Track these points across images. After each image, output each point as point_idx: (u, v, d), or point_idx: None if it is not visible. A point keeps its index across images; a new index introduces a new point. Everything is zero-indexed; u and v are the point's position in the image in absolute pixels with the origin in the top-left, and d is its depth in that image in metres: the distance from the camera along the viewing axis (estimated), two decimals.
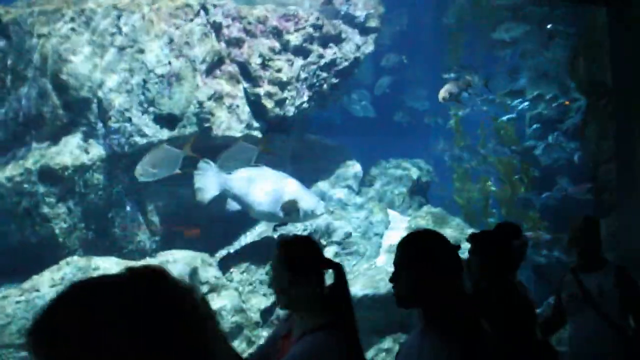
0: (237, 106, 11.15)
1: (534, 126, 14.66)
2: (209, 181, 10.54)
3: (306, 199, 10.71)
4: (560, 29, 12.83)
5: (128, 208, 10.71)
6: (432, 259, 3.39)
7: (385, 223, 12.01)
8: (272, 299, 10.89)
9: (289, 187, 10.70)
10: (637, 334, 5.60)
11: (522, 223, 13.06)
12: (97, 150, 10.48)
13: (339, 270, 3.71)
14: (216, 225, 11.27)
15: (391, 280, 3.49)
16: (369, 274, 10.25)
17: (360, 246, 11.14)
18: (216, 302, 9.77)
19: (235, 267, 10.68)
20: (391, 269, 3.54)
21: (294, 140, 12.60)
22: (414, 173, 13.77)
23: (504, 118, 14.86)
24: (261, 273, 10.68)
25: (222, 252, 11.19)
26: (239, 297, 10.23)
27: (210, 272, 10.30)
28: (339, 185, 12.79)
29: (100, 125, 10.54)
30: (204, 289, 10.06)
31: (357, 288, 9.56)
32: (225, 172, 10.51)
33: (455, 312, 3.34)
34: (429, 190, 14.09)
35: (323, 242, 11.12)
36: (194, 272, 10.11)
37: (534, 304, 5.13)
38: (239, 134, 11.08)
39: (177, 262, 10.27)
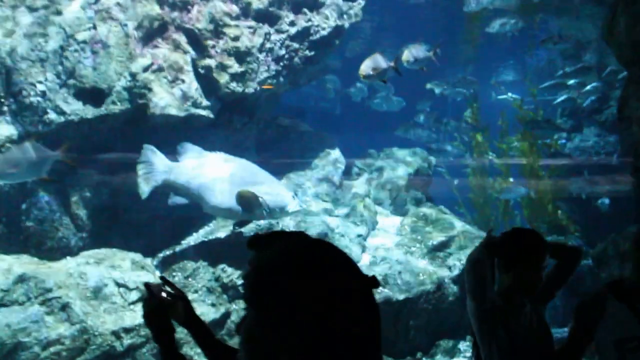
0: (182, 80, 9.41)
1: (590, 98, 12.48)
2: (153, 169, 8.99)
3: (274, 193, 9.19)
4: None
5: (46, 198, 9.09)
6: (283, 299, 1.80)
7: (370, 223, 10.18)
8: (222, 309, 9.30)
9: (252, 178, 9.15)
10: None
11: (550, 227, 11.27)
12: (6, 130, 8.94)
13: None
14: (159, 221, 9.80)
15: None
16: None
17: None
18: None
19: (179, 270, 9.12)
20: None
21: (261, 124, 10.74)
22: (413, 165, 11.66)
23: (559, 99, 12.70)
24: (210, 278, 9.07)
25: (165, 253, 9.51)
26: None
27: (142, 276, 8.86)
28: (316, 178, 10.86)
29: (11, 100, 9.01)
30: (133, 296, 8.57)
31: None
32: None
33: None
34: (431, 185, 11.93)
35: None
36: (120, 276, 8.71)
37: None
38: (182, 113, 9.39)
39: (100, 263, 8.78)
